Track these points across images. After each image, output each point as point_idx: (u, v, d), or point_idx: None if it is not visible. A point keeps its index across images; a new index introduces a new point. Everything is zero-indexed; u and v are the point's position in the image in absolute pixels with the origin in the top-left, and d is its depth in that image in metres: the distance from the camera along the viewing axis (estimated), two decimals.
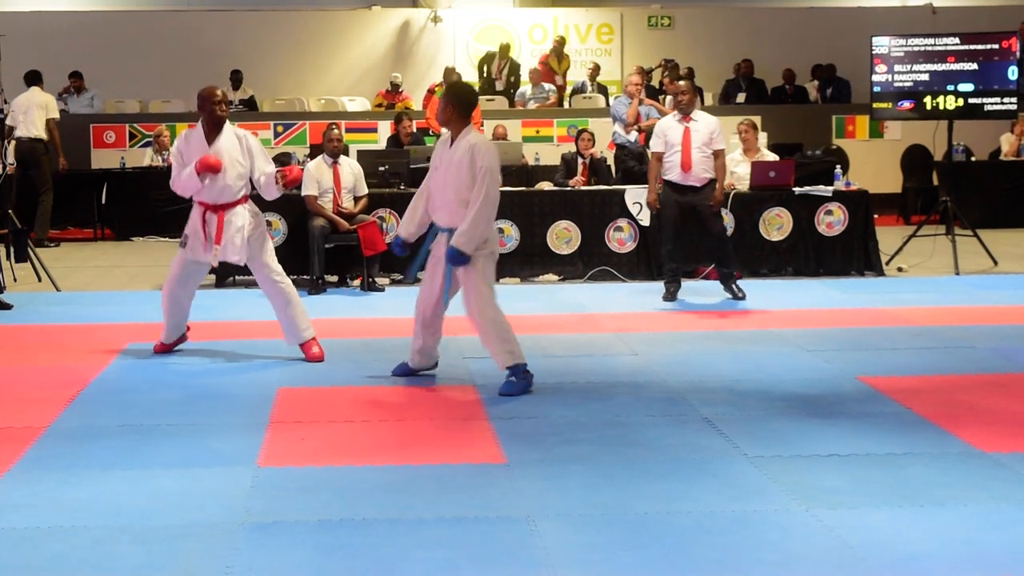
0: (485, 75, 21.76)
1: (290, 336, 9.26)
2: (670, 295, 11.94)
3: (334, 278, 13.16)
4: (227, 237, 9.08)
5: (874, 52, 14.61)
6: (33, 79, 17.66)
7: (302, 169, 9.59)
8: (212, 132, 9.14)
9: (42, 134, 17.17)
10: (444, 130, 8.42)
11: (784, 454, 6.69)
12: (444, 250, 8.13)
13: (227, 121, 9.22)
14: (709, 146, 11.71)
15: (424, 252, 8.45)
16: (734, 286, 11.91)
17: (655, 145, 12.03)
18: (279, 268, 9.27)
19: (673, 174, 11.80)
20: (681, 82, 12.26)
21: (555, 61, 21.86)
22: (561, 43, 22.15)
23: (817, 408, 7.73)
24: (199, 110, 9.27)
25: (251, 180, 9.21)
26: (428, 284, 8.38)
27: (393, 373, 8.67)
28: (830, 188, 13.84)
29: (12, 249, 13.03)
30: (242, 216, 9.12)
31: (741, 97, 21.74)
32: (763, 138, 14.86)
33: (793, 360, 9.20)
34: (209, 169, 8.94)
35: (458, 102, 8.19)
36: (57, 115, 17.50)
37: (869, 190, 14.12)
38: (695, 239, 12.08)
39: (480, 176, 7.95)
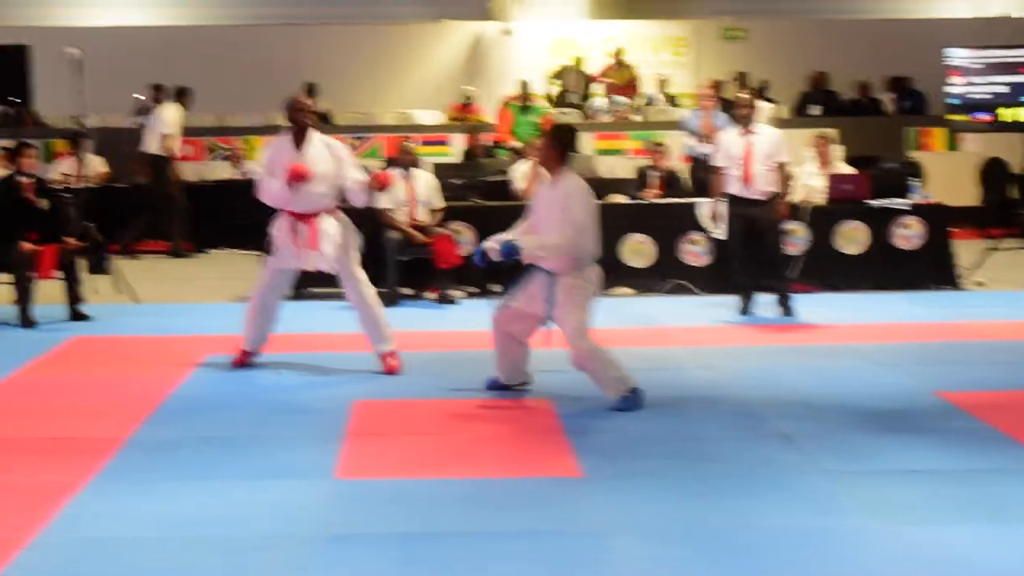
0: (560, 88, 21.66)
1: (374, 343, 9.31)
2: (745, 309, 11.87)
3: (408, 291, 13.18)
4: (319, 245, 9.14)
5: (950, 64, 14.49)
6: (175, 95, 17.79)
7: (393, 175, 9.56)
8: (299, 140, 9.17)
9: (152, 149, 17.25)
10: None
11: (861, 469, 6.66)
12: (542, 291, 8.18)
13: (315, 129, 9.27)
14: (771, 158, 11.61)
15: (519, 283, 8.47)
16: (785, 304, 11.81)
17: (717, 159, 11.97)
18: (365, 279, 9.30)
19: (734, 187, 11.71)
20: (742, 95, 12.18)
21: (615, 73, 21.81)
22: (619, 54, 22.08)
23: (894, 423, 7.68)
24: (286, 119, 9.33)
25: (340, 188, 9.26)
26: (511, 302, 8.41)
27: (487, 387, 8.69)
28: (907, 201, 13.72)
29: (93, 261, 13.18)
30: (331, 225, 9.17)
31: (815, 109, 21.59)
32: (838, 151, 14.76)
33: (869, 374, 9.15)
34: (298, 178, 8.96)
35: (558, 144, 8.32)
36: (169, 131, 17.38)
37: (946, 203, 13.99)
38: (757, 253, 11.97)
39: (570, 225, 8.03)
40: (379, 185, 9.18)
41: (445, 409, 8.15)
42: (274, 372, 9.33)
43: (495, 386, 8.63)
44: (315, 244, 9.10)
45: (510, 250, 8.12)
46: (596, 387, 8.18)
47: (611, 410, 7.99)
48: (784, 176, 11.71)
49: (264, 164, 9.26)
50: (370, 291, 9.26)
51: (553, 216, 8.14)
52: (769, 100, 19.36)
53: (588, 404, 8.17)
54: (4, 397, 8.63)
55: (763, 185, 11.58)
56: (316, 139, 9.19)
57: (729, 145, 11.75)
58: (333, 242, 9.11)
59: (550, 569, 5.22)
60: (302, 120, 9.17)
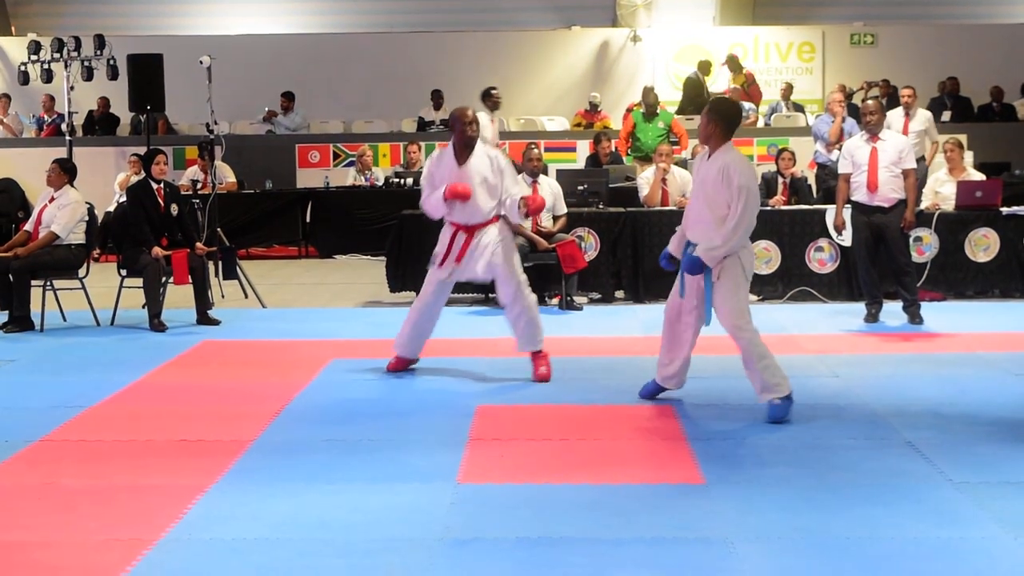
0: (706, 95, 21.41)
1: (522, 344, 9.26)
2: (872, 316, 11.73)
3: (532, 297, 13.19)
4: (472, 255, 9.13)
5: None
6: (481, 98, 17.08)
7: (543, 198, 9.49)
8: (463, 152, 9.16)
9: None
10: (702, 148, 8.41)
11: (991, 480, 6.54)
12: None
13: (478, 141, 9.25)
14: (898, 165, 11.42)
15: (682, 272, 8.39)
16: (913, 312, 11.62)
17: (842, 166, 11.80)
18: (525, 281, 9.28)
19: (859, 194, 11.55)
20: (869, 102, 12.02)
21: (729, 78, 21.72)
22: (734, 60, 21.94)
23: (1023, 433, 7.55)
24: (450, 130, 9.35)
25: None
26: (673, 297, 8.31)
27: (641, 395, 8.58)
28: None
29: (221, 266, 13.39)
30: (490, 234, 9.16)
31: (946, 115, 21.31)
32: (969, 157, 14.53)
33: (1000, 384, 8.99)
34: (456, 197, 8.98)
35: (721, 119, 8.16)
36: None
37: None
38: (884, 261, 11.80)
39: (737, 195, 7.86)
40: (531, 210, 9.15)
41: (568, 414, 8.16)
42: (398, 376, 9.40)
43: (650, 393, 8.55)
44: (460, 257, 9.12)
45: (693, 266, 7.95)
46: (752, 383, 8.05)
47: (768, 422, 7.86)
48: (912, 183, 11.53)
49: (427, 177, 9.28)
50: (531, 295, 9.25)
51: (709, 191, 7.99)
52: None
53: (711, 410, 8.14)
54: (133, 400, 8.78)
55: (889, 192, 11.41)
56: (479, 151, 9.18)
57: (854, 152, 11.61)
58: (487, 250, 9.10)
59: None
60: (466, 132, 9.15)
